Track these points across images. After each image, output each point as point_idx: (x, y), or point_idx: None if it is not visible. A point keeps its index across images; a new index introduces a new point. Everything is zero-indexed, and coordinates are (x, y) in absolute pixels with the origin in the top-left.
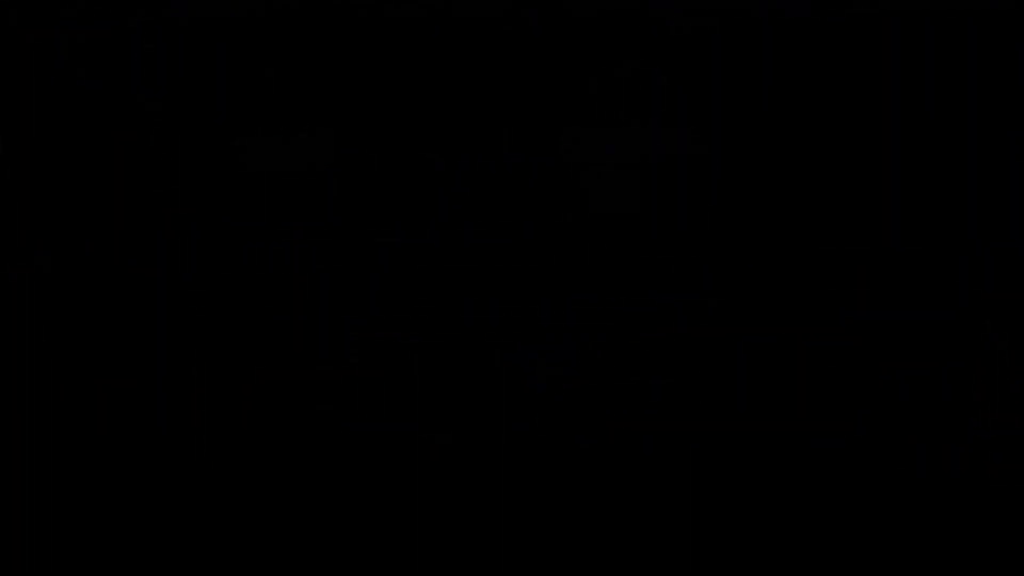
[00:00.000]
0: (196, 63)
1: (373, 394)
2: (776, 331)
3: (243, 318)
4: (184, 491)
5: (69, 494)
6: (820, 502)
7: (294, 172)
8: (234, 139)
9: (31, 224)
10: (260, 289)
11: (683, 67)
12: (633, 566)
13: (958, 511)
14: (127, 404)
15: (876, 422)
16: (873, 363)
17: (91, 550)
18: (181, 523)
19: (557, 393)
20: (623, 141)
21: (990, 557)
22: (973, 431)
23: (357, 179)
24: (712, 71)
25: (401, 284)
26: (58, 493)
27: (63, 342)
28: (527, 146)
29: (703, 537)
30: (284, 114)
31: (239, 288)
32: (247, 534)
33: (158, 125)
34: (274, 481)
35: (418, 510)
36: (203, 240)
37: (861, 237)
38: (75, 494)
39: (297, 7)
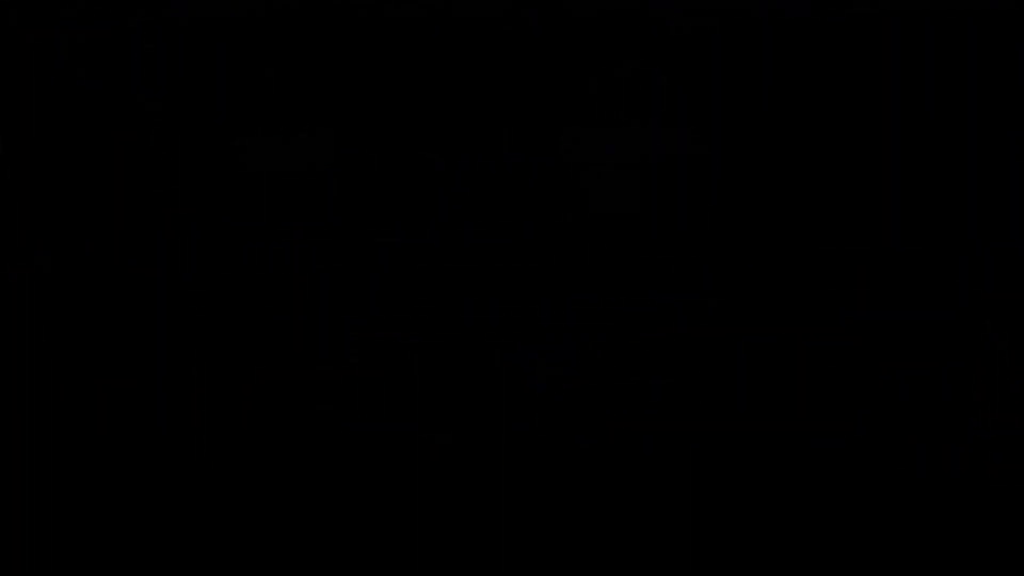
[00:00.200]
0: (196, 63)
1: (373, 394)
2: (776, 331)
3: (243, 318)
4: (184, 491)
5: (69, 494)
6: (820, 502)
7: (294, 172)
8: (234, 139)
9: (31, 224)
10: (260, 289)
11: (683, 67)
12: (633, 566)
13: (958, 511)
14: (127, 404)
15: (876, 422)
16: (873, 363)
17: (91, 550)
18: (181, 523)
19: (557, 393)
20: (623, 141)
21: (990, 557)
22: (973, 431)
23: (357, 179)
24: (712, 71)
25: (401, 284)
26: (58, 493)
27: (63, 342)
28: (527, 146)
29: (703, 537)
30: (284, 114)
31: (239, 288)
32: (247, 534)
33: (158, 125)
34: (274, 481)
35: (418, 510)
36: (203, 240)
37: (861, 237)
38: (75, 494)
39: (297, 7)
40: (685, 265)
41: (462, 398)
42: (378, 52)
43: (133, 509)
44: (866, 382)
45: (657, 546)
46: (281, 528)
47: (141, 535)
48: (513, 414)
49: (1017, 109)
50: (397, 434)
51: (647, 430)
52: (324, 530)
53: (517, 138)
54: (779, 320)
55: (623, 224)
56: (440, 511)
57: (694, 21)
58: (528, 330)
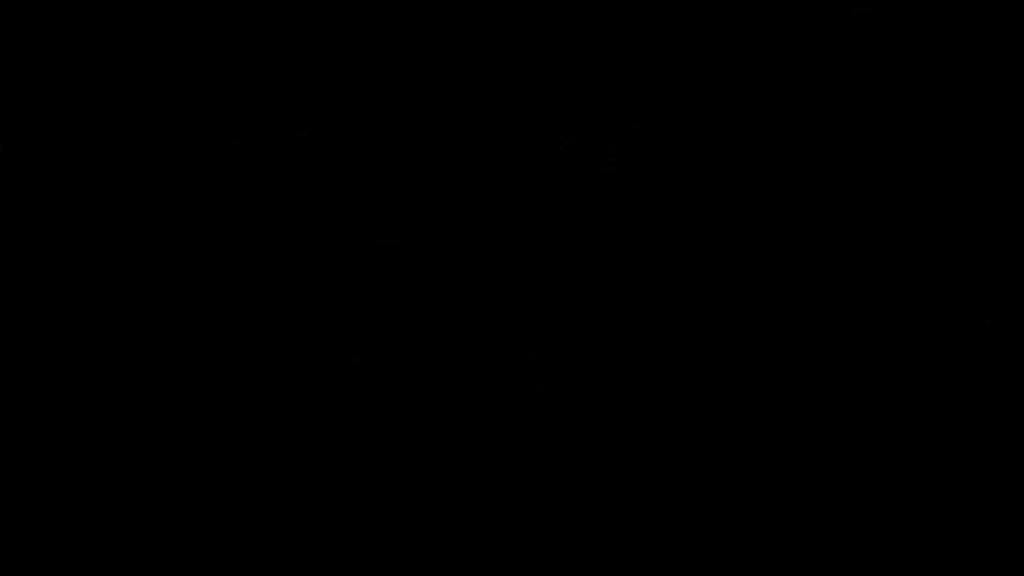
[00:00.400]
0: (196, 63)
1: (373, 394)
2: (776, 331)
3: (243, 318)
4: (184, 491)
5: (69, 494)
6: (820, 502)
7: (294, 172)
8: (234, 139)
9: (31, 224)
10: (260, 289)
11: (683, 67)
12: (633, 566)
13: (958, 511)
14: (127, 404)
15: (876, 422)
16: (873, 363)
17: (91, 550)
18: (181, 523)
19: (557, 393)
20: (623, 141)
21: (990, 557)
22: (973, 431)
23: (357, 179)
24: (712, 71)
25: (401, 284)
26: (58, 493)
27: (63, 342)
28: (527, 146)
29: (703, 537)
30: (284, 114)
31: (239, 288)
32: (247, 534)
33: (158, 125)
34: (274, 481)
35: (418, 510)
36: (203, 240)
37: (861, 237)
38: (75, 494)
39: (297, 7)
40: (685, 265)
41: (462, 398)
42: (378, 52)
43: (133, 509)
44: (866, 382)
45: (657, 546)
46: (281, 528)
47: (141, 535)
48: (513, 414)
49: (1017, 109)
50: (397, 434)
51: (647, 430)
52: (324, 530)
53: (517, 138)
54: (779, 320)
55: (623, 224)
56: (440, 511)
57: (694, 21)
58: (528, 330)
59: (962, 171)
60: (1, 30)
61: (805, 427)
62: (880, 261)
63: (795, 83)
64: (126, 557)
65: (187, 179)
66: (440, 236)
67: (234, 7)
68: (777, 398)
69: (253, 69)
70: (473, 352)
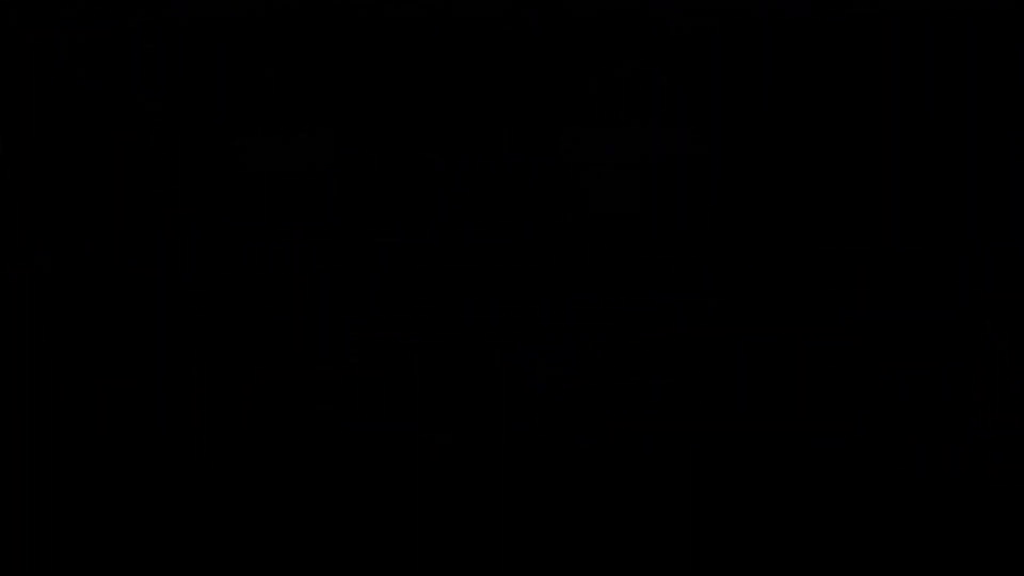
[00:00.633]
0: (196, 63)
1: (373, 394)
2: (776, 331)
3: (243, 318)
4: (184, 491)
5: (69, 494)
6: (820, 502)
7: (294, 172)
8: (234, 139)
9: (31, 224)
10: (260, 289)
11: (683, 67)
12: (633, 566)
13: (958, 511)
14: (127, 404)
15: (876, 422)
16: (873, 363)
17: (91, 550)
18: (181, 523)
19: (557, 393)
20: (623, 141)
21: (990, 557)
22: (973, 431)
23: (357, 179)
24: (712, 71)
25: (401, 284)
26: (58, 493)
27: (63, 342)
28: (527, 146)
29: (703, 537)
30: (284, 114)
31: (239, 288)
32: (247, 534)
33: (158, 125)
34: (274, 481)
35: (418, 510)
36: (203, 240)
37: (861, 237)
38: (75, 494)
39: (297, 7)
40: (685, 265)
41: (462, 398)
42: (378, 52)
43: (133, 509)
44: (866, 382)
45: (657, 546)
46: (281, 528)
47: (141, 535)
48: (513, 414)
49: (1017, 109)
50: (397, 434)
51: (647, 430)
52: (324, 530)
53: (517, 138)
54: (779, 320)
55: (623, 224)
56: (440, 511)
57: (694, 21)
58: (528, 330)
59: (962, 171)
60: (1, 30)
61: (805, 427)
62: (880, 261)
63: (795, 83)
64: (126, 557)
65: (187, 179)
66: (440, 236)
67: (234, 7)
68: (777, 398)
69: (253, 69)
70: (473, 352)
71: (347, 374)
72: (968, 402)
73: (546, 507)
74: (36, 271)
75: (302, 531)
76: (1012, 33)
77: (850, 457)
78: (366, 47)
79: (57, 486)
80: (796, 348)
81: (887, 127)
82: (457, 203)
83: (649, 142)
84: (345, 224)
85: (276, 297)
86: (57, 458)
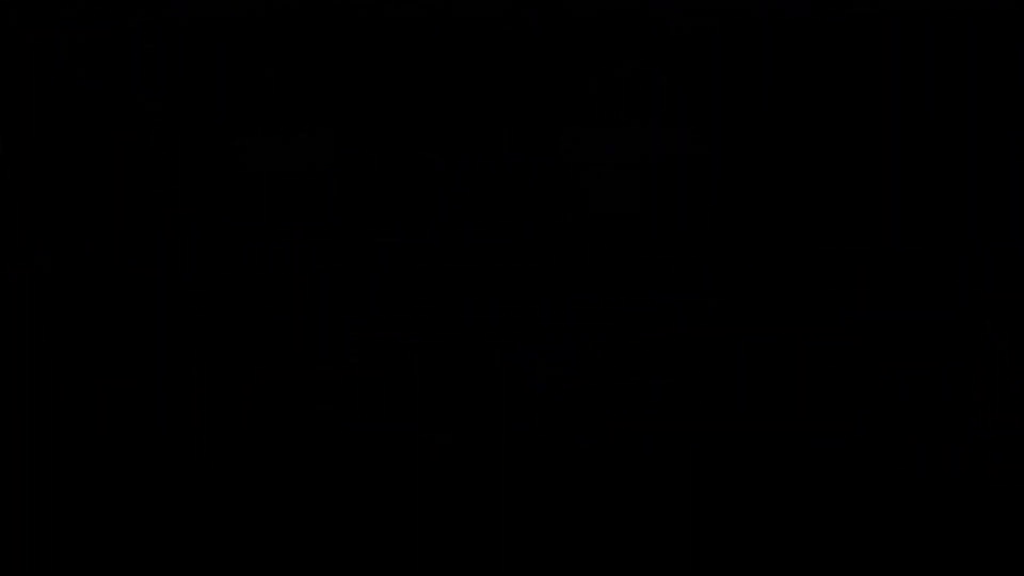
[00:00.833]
0: (196, 63)
1: (373, 394)
2: (776, 331)
3: (243, 318)
4: (184, 491)
5: (69, 494)
6: (820, 502)
7: (294, 172)
8: (234, 139)
9: (31, 224)
10: (260, 289)
11: (683, 67)
12: (633, 566)
13: (958, 511)
14: (127, 404)
15: (876, 422)
16: (873, 363)
17: (91, 550)
18: (181, 523)
19: (557, 393)
20: (623, 141)
21: (990, 557)
22: (973, 431)
23: (357, 179)
24: (712, 71)
25: (401, 284)
26: (58, 493)
27: (63, 342)
28: (527, 146)
29: (703, 537)
30: (284, 114)
31: (239, 288)
32: (247, 534)
33: (158, 125)
34: (274, 481)
35: (418, 510)
36: (203, 240)
37: (861, 237)
38: (75, 494)
39: (297, 7)
40: (685, 265)
41: (462, 398)
42: (378, 52)
43: (133, 509)
44: (866, 382)
45: (657, 546)
46: (281, 528)
47: (141, 535)
48: (513, 414)
49: (1017, 109)
50: (397, 434)
51: (647, 430)
52: (324, 530)
53: (517, 138)
54: (779, 320)
55: (623, 224)
56: (440, 511)
57: (694, 21)
58: (528, 330)
59: (962, 171)
60: (1, 30)
61: (805, 427)
62: (880, 261)
63: (795, 83)
64: (126, 557)
65: (187, 179)
66: (440, 236)
67: (234, 7)
68: (777, 398)
69: (253, 69)
70: (473, 352)
71: (347, 374)
72: (968, 402)
73: (546, 507)
74: (36, 271)
75: (302, 531)
76: (1012, 33)
77: (850, 457)
78: (366, 47)
79: (57, 486)
80: (796, 348)
81: (887, 127)
82: (457, 203)
83: (649, 142)
84: (345, 224)
85: (276, 297)
86: (57, 458)
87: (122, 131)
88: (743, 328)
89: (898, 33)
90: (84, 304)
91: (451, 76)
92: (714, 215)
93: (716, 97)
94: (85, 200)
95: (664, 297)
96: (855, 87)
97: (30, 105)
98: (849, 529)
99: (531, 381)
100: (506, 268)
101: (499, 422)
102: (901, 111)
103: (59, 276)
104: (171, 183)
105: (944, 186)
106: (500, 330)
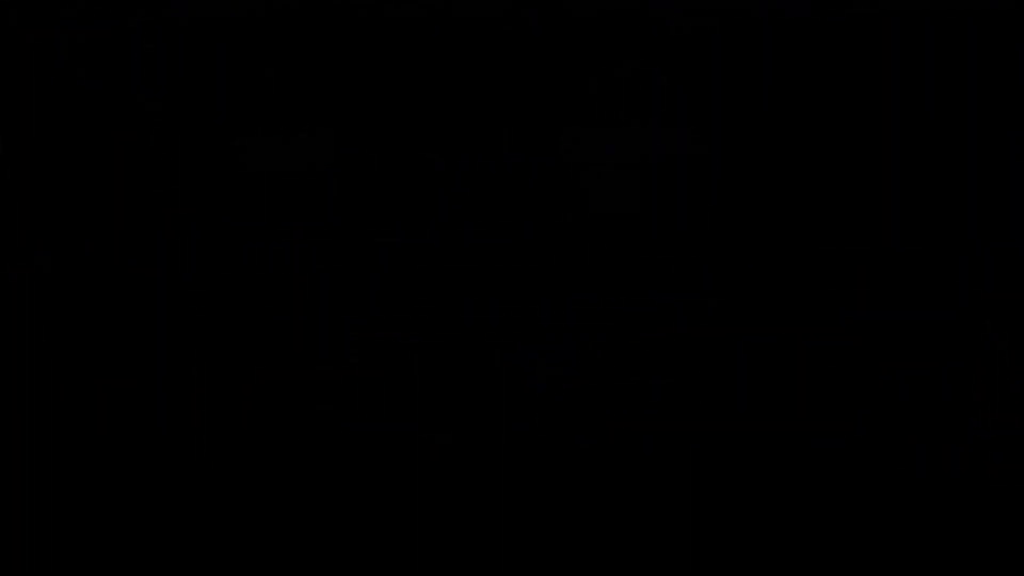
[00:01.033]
0: (196, 63)
1: (373, 394)
2: (776, 331)
3: (243, 318)
4: (184, 491)
5: (69, 494)
6: (820, 502)
7: (294, 172)
8: (234, 139)
9: (31, 224)
10: (260, 289)
11: (683, 67)
12: (633, 566)
13: (958, 511)
14: (127, 404)
15: (876, 422)
16: (873, 363)
17: (91, 550)
18: (181, 523)
19: (557, 393)
20: (623, 141)
21: (990, 557)
22: (973, 431)
23: (357, 179)
24: (712, 71)
25: (401, 284)
26: (58, 493)
27: (63, 342)
28: (527, 146)
29: (703, 537)
30: (284, 114)
31: (239, 288)
32: (247, 534)
33: (158, 125)
34: (274, 481)
35: (418, 510)
36: (203, 240)
37: (861, 237)
38: (75, 494)
39: (297, 7)
40: (685, 265)
41: (462, 398)
42: (378, 52)
43: (133, 509)
44: (866, 382)
45: (657, 546)
46: (281, 528)
47: (141, 535)
48: (513, 414)
49: (1017, 109)
50: (397, 434)
51: (647, 430)
52: (324, 530)
53: (517, 138)
54: (779, 320)
55: (623, 224)
56: (440, 511)
57: (694, 21)
58: (528, 330)
59: (962, 171)
60: (1, 30)
61: (805, 427)
62: (880, 261)
63: (795, 83)
64: (126, 557)
65: (187, 179)
66: (440, 236)
67: (234, 7)
68: (777, 398)
69: (253, 69)
70: (473, 352)
71: (347, 374)
72: (968, 402)
73: (546, 507)
74: (36, 271)
75: (302, 531)
76: (1012, 33)
77: (850, 457)
78: (366, 47)
79: (57, 486)
80: (796, 348)
81: (887, 127)
82: (457, 203)
83: (649, 142)
84: (345, 224)
85: (276, 297)
86: (57, 458)
87: (122, 131)
88: (743, 328)
89: (898, 33)
90: (84, 304)
91: (451, 76)
92: (714, 215)
93: (716, 97)
94: (85, 200)
95: (664, 297)
96: (855, 87)
97: (30, 105)
98: (849, 529)
99: (531, 381)
100: (506, 268)
101: (499, 422)
102: (901, 111)
103: (59, 276)
104: (171, 183)
105: (944, 186)
106: (500, 330)
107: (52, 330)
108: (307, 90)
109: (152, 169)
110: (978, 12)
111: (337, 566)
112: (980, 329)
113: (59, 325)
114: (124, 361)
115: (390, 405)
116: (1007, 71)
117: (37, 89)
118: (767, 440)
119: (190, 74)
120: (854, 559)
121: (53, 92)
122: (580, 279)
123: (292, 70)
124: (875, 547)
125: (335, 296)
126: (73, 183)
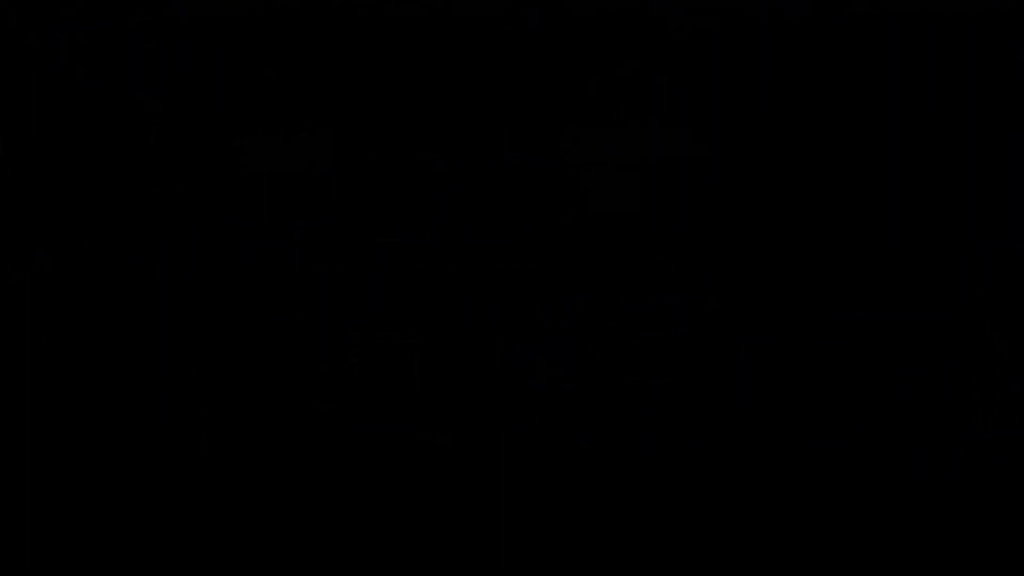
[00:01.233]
0: (196, 63)
1: (373, 394)
2: (776, 331)
3: (243, 318)
4: (184, 491)
5: (69, 494)
6: (820, 502)
7: (294, 172)
8: (234, 139)
9: (31, 224)
10: (260, 289)
11: (683, 67)
12: (633, 566)
13: (958, 511)
14: (127, 404)
15: (876, 422)
16: (873, 363)
17: (91, 550)
18: (181, 523)
19: (557, 393)
20: (623, 141)
21: (990, 557)
22: (973, 431)
23: (357, 179)
24: (712, 71)
25: (401, 284)
26: (58, 493)
27: (63, 342)
28: (527, 146)
29: (703, 537)
30: (284, 114)
31: (239, 288)
32: (247, 534)
33: (158, 125)
34: (274, 481)
35: (418, 510)
36: (203, 240)
37: (861, 237)
38: (75, 494)
39: (297, 7)
40: (685, 265)
41: (462, 398)
42: (378, 52)
43: (133, 509)
44: (866, 382)
45: (657, 546)
46: (281, 528)
47: (141, 535)
48: (513, 414)
49: (1017, 109)
50: (397, 434)
51: (647, 430)
52: (324, 530)
53: (517, 138)
54: (779, 320)
55: (623, 224)
56: (440, 511)
57: (694, 21)
58: (528, 330)
59: (962, 171)
60: (1, 30)
61: (805, 427)
62: (880, 261)
63: (795, 83)
64: (126, 557)
65: (187, 179)
66: (440, 236)
67: (234, 7)
68: (777, 398)
69: (253, 69)
70: (473, 352)
71: (347, 374)
72: (968, 402)
73: (546, 507)
74: (36, 271)
75: (302, 531)
76: (1012, 33)
77: (850, 457)
78: (366, 47)
79: (57, 486)
80: (796, 348)
81: (887, 127)
82: (457, 203)
83: (649, 142)
84: (345, 224)
85: (276, 297)
86: (57, 458)
87: (122, 131)
88: (743, 328)
89: (898, 33)
90: (84, 304)
91: (451, 76)
92: (714, 215)
93: (716, 97)
94: (85, 200)
95: (664, 297)
96: (855, 87)
97: (30, 105)
98: (849, 529)
99: (531, 381)
100: (506, 268)
101: (499, 422)
102: (901, 111)
103: (59, 276)
104: (171, 183)
105: (944, 186)
106: (500, 330)
107: (52, 330)
108: (307, 90)
109: (152, 169)
110: (978, 12)
111: (337, 566)
112: (980, 329)
113: (59, 325)
114: (124, 361)
115: (390, 405)
116: (1007, 71)
117: (37, 89)
118: (767, 440)
119: (190, 74)
120: (854, 559)
121: (53, 92)
122: (580, 279)
123: (292, 70)
124: (875, 547)
125: (335, 296)
126: (73, 183)
